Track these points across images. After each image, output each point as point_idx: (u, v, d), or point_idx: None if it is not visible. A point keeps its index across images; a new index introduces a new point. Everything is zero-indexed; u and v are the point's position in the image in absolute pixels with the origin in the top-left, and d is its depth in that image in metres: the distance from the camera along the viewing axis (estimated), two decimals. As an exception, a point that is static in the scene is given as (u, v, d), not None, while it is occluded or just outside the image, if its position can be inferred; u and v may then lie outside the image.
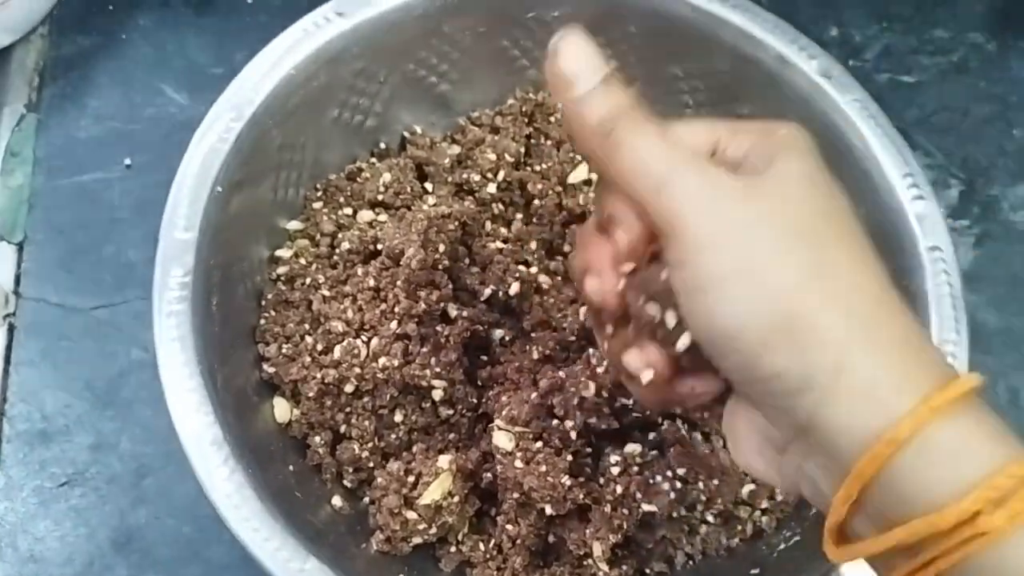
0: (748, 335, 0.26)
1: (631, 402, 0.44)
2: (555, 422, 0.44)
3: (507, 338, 0.49)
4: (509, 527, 0.45)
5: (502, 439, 0.43)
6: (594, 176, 0.54)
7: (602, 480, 0.44)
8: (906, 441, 0.24)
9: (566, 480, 0.42)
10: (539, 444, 0.43)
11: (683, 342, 0.29)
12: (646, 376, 0.31)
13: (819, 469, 0.27)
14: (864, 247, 0.28)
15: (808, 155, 0.29)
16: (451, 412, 0.47)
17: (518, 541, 0.45)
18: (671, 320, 0.29)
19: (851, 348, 0.25)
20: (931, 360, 0.26)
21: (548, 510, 0.43)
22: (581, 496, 0.43)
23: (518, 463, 0.43)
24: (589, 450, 0.44)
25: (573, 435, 0.43)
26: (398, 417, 0.47)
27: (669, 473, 0.44)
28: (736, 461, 0.31)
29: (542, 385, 0.44)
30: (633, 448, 0.44)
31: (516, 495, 0.43)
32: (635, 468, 0.43)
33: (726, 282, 0.26)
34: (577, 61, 0.29)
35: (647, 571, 0.46)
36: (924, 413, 0.24)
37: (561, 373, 0.44)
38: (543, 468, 0.42)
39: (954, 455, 0.24)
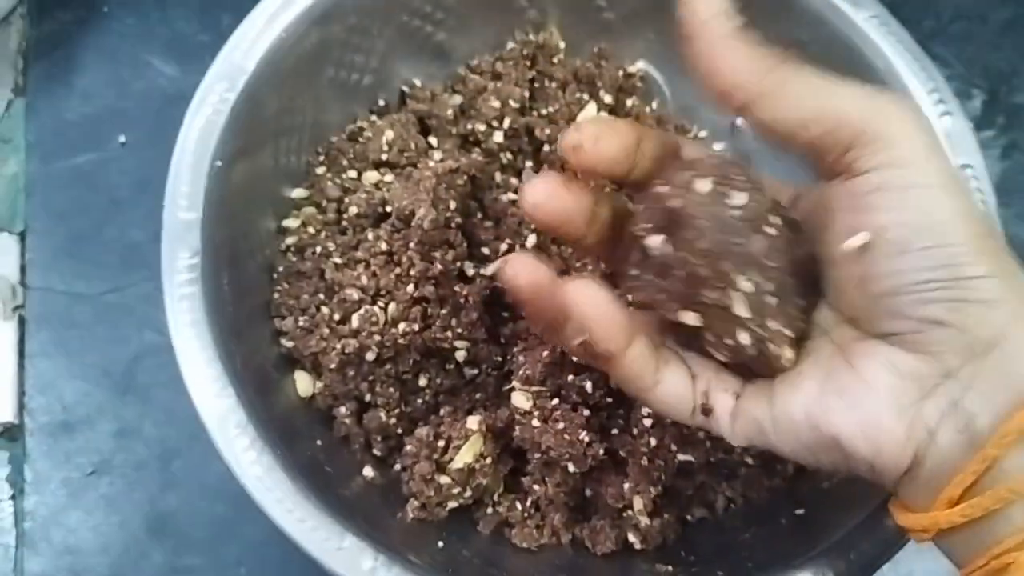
0: (963, 230, 0.26)
1: None
2: (571, 377, 0.43)
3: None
4: (536, 487, 0.44)
5: (520, 399, 0.42)
6: (603, 115, 0.52)
7: (635, 431, 0.43)
8: None
9: (584, 436, 0.41)
10: (555, 401, 0.42)
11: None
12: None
13: (985, 400, 0.26)
14: None
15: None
16: (476, 372, 0.46)
17: (552, 500, 0.44)
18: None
19: None
20: None
21: (571, 468, 0.42)
22: (601, 452, 0.42)
23: (535, 422, 0.42)
24: (610, 400, 0.43)
25: (589, 387, 0.42)
26: (422, 381, 0.46)
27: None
28: (836, 423, 0.28)
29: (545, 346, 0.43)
30: (665, 397, 0.43)
31: (538, 455, 0.43)
32: (668, 419, 0.42)
33: (953, 179, 0.27)
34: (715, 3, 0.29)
35: (688, 518, 0.45)
36: None
37: None
38: (560, 425, 0.41)
39: None
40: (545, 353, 0.43)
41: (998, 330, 0.25)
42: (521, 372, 0.43)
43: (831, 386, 0.29)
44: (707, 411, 0.33)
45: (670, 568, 0.43)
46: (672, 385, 0.32)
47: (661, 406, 0.33)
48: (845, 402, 0.28)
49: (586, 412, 0.42)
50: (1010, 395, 0.25)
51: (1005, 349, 0.25)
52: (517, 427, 0.43)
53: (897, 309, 0.27)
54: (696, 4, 0.29)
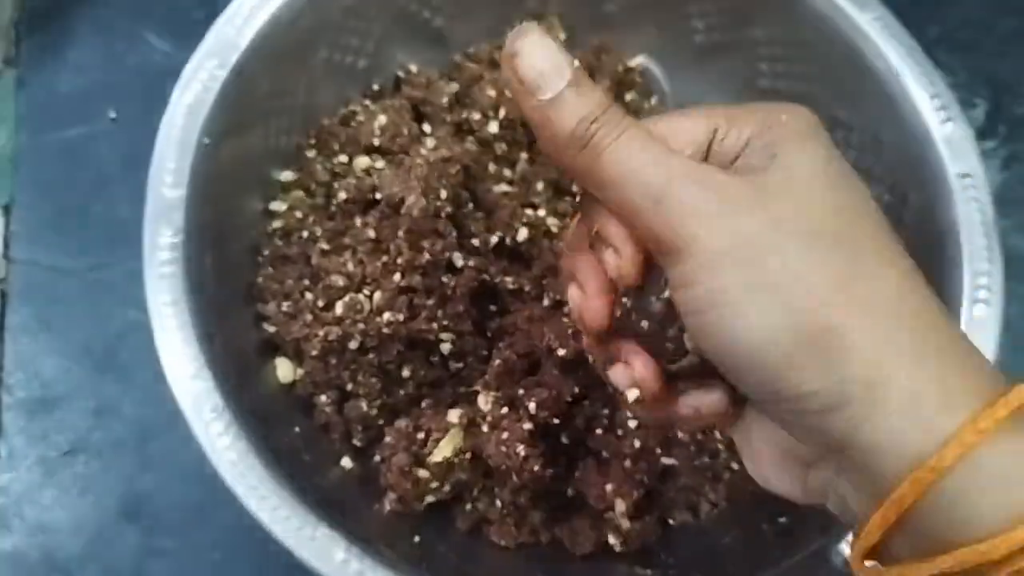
0: (773, 353, 0.24)
1: None
2: (520, 391, 0.42)
3: (517, 286, 0.47)
4: (496, 489, 0.43)
5: (482, 401, 0.42)
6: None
7: (620, 433, 0.42)
8: (952, 467, 0.22)
9: (521, 450, 0.41)
10: (505, 410, 0.42)
11: (688, 360, 0.27)
12: (632, 395, 0.28)
13: (852, 488, 0.25)
14: (892, 243, 0.25)
15: (818, 142, 0.26)
16: (460, 365, 0.46)
17: (515, 503, 0.43)
18: (673, 339, 0.27)
19: (889, 361, 0.23)
20: (975, 369, 0.24)
21: (515, 478, 0.41)
22: (536, 468, 0.41)
23: (485, 427, 0.42)
24: (557, 422, 0.42)
25: (532, 407, 0.41)
26: (406, 372, 0.45)
27: (689, 423, 0.42)
28: (752, 475, 0.29)
29: (505, 352, 0.43)
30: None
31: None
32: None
33: (744, 299, 0.24)
34: (540, 61, 0.25)
35: (670, 521, 0.45)
36: (971, 436, 0.22)
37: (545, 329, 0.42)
38: (504, 435, 0.41)
39: (1004, 479, 0.22)
40: (498, 362, 0.42)
41: (840, 435, 0.24)
42: (489, 373, 0.43)
43: (746, 449, 0.29)
44: None
45: (649, 572, 0.43)
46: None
47: None
48: (753, 467, 0.29)
49: (528, 426, 0.41)
50: (870, 491, 0.24)
51: (855, 450, 0.24)
52: (473, 427, 0.42)
53: (758, 404, 0.27)
54: (520, 75, 0.25)
